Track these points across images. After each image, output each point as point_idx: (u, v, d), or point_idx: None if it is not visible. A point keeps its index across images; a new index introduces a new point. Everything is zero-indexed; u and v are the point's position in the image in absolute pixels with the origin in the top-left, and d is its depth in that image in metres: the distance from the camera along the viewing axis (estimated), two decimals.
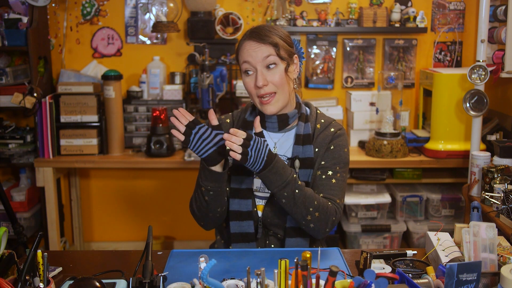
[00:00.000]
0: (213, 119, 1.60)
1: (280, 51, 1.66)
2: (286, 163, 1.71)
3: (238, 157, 1.51)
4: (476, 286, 1.23)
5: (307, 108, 1.81)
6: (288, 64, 1.70)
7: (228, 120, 1.85)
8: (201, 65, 3.01)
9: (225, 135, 1.52)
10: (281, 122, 1.75)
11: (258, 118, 1.63)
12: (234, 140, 1.51)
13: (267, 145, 1.58)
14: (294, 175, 1.62)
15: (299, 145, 1.72)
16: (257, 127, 1.62)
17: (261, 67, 1.66)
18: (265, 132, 1.77)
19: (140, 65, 3.36)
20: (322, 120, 1.79)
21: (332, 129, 1.77)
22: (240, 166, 1.70)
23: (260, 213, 1.73)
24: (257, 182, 1.74)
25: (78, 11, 3.33)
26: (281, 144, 1.76)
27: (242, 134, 1.52)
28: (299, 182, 1.62)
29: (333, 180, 1.71)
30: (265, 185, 1.62)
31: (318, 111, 1.82)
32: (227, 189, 1.73)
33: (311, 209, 1.62)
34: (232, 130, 1.52)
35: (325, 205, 1.65)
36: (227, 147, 1.52)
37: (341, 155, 1.74)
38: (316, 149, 1.73)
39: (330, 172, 1.71)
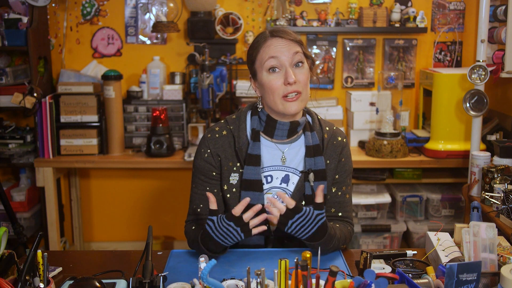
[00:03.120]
0: (212, 203, 1.52)
1: (304, 49, 1.65)
2: (298, 176, 1.70)
3: (274, 223, 1.51)
4: (476, 286, 1.23)
5: (308, 116, 1.78)
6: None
7: (224, 132, 1.71)
8: (201, 65, 3.01)
9: (270, 201, 1.49)
10: (291, 130, 1.69)
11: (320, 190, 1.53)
12: (275, 211, 1.49)
13: (319, 220, 1.52)
14: (335, 233, 1.61)
15: (311, 157, 1.69)
16: (318, 197, 1.53)
17: (289, 64, 1.61)
18: (271, 143, 1.71)
19: (140, 65, 3.36)
20: (327, 128, 1.76)
21: (339, 138, 1.75)
22: (250, 182, 1.66)
23: (272, 227, 1.70)
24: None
25: (78, 11, 3.33)
26: (289, 156, 1.71)
27: (290, 204, 1.49)
28: (337, 234, 1.62)
29: (347, 195, 1.75)
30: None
31: (318, 117, 1.79)
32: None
33: (342, 246, 1.68)
34: (280, 194, 1.50)
35: (348, 235, 1.70)
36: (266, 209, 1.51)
37: (350, 166, 1.77)
38: (328, 161, 1.72)
39: (344, 188, 1.74)
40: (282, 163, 1.70)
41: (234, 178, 1.68)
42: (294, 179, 1.70)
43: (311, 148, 1.70)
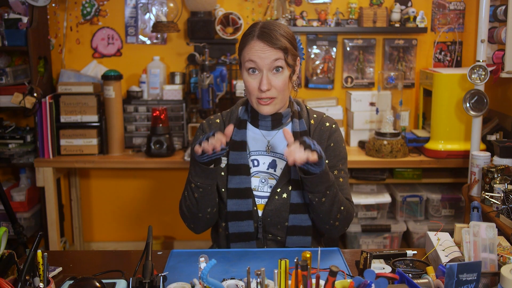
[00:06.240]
0: (228, 136, 1.58)
1: (288, 57, 1.65)
2: (285, 161, 1.73)
3: (315, 158, 1.50)
4: (476, 286, 1.23)
5: (297, 106, 1.82)
6: (293, 71, 1.70)
7: (217, 120, 1.83)
8: (201, 65, 3.01)
9: (287, 152, 1.49)
10: (275, 121, 1.75)
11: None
12: (298, 153, 1.49)
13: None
14: (334, 181, 1.65)
15: None
16: (289, 139, 1.56)
17: (267, 70, 1.64)
18: (258, 130, 1.78)
19: (140, 65, 3.36)
20: (315, 115, 1.81)
21: (327, 124, 1.78)
22: (237, 166, 1.71)
23: (260, 212, 1.72)
24: (255, 181, 1.73)
25: (78, 11, 3.33)
26: (275, 142, 1.76)
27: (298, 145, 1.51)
28: (336, 187, 1.66)
29: (341, 179, 1.75)
30: (313, 187, 1.59)
31: (307, 107, 1.84)
32: (223, 190, 1.72)
33: (342, 207, 1.68)
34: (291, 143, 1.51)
35: (347, 203, 1.72)
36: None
37: (341, 151, 1.78)
38: None
39: (336, 172, 1.75)
40: (266, 151, 1.76)
41: (223, 162, 1.75)
42: (282, 164, 1.74)
43: (298, 134, 1.74)
